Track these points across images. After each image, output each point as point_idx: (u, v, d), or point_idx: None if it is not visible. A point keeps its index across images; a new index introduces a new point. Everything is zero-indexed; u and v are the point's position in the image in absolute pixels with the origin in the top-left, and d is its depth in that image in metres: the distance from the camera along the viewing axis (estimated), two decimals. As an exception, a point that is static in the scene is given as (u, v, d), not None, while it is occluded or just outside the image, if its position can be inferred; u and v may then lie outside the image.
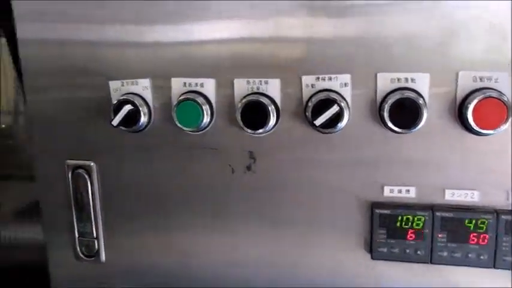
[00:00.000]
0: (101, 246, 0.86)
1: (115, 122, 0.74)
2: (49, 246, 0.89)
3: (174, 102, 0.74)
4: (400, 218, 0.70)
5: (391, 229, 0.71)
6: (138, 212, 0.83)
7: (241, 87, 0.72)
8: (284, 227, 0.77)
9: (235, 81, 0.72)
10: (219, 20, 0.71)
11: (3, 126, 3.08)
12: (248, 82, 0.72)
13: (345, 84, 0.69)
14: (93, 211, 0.84)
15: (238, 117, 0.71)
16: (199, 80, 0.73)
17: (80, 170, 0.82)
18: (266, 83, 0.71)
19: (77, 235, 0.86)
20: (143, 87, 0.76)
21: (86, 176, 0.82)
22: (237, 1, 0.70)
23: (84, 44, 0.77)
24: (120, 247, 0.85)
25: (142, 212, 0.82)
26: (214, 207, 0.79)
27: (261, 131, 0.70)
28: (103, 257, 0.86)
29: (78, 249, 0.87)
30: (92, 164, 0.82)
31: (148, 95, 0.76)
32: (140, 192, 0.81)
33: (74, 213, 0.85)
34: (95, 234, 0.85)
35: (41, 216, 0.99)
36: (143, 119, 0.75)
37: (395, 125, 0.66)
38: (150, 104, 0.76)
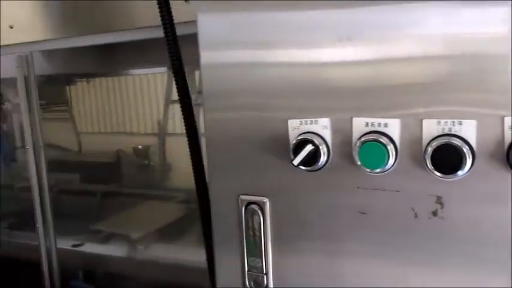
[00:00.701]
0: (270, 282, 0.86)
1: (296, 161, 0.74)
2: (218, 276, 0.92)
3: (355, 142, 0.72)
4: None
5: None
6: (310, 251, 0.81)
7: (431, 127, 0.68)
8: (471, 279, 0.70)
9: (424, 122, 0.68)
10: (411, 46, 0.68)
11: (140, 147, 3.36)
12: (439, 122, 0.67)
13: (559, 126, 0.61)
14: (264, 247, 0.85)
15: (428, 161, 0.66)
16: (383, 121, 0.71)
17: (253, 206, 0.84)
18: (460, 123, 0.66)
19: (246, 269, 0.87)
20: (322, 126, 0.75)
21: (259, 212, 0.84)
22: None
23: (265, 68, 0.79)
24: (289, 285, 0.85)
25: (314, 251, 0.81)
26: (392, 251, 0.75)
27: (457, 174, 0.65)
28: (271, 293, 0.86)
29: (247, 283, 0.88)
30: (266, 200, 0.83)
31: (327, 135, 0.75)
32: (313, 231, 0.80)
33: (244, 247, 0.86)
34: (264, 270, 0.86)
35: (207, 244, 1.04)
36: (322, 158, 0.74)
37: None
38: (329, 143, 0.75)
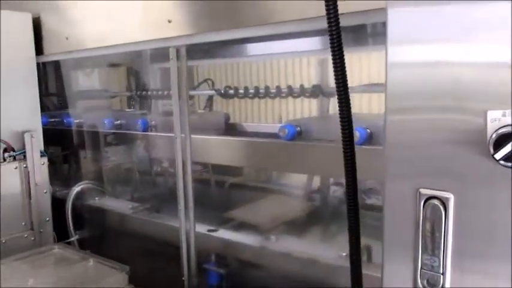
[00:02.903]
0: (446, 283, 0.81)
1: (498, 155, 0.68)
2: (385, 270, 0.89)
3: None
4: None
5: None
6: (495, 256, 0.75)
7: None
8: None
9: None
10: None
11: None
12: None
13: None
14: (444, 246, 0.80)
15: None
16: None
17: (435, 201, 0.80)
18: None
19: (419, 266, 0.84)
20: (531, 118, 0.69)
21: (441, 208, 0.79)
22: None
23: (458, 66, 0.75)
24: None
25: (498, 258, 0.75)
26: None
27: None
28: (446, 294, 0.81)
29: (419, 281, 0.84)
30: (450, 195, 0.78)
31: (536, 128, 0.69)
32: (506, 249, 0.74)
33: (420, 243, 0.83)
34: (441, 270, 0.81)
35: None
36: (531, 154, 0.68)
37: None
38: (542, 138, 0.68)
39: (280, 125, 1.80)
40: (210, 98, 2.68)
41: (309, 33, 1.78)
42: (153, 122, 2.32)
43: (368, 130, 1.55)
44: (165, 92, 2.50)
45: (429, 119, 0.79)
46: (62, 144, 2.86)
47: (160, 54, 2.42)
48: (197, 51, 2.27)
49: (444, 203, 0.79)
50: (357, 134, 1.52)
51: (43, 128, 2.34)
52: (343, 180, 1.00)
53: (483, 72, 0.73)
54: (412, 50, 0.80)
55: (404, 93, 0.81)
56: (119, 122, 2.51)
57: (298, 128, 1.78)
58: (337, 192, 2.10)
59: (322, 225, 2.16)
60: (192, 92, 2.23)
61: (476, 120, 0.74)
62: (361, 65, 2.20)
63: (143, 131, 2.32)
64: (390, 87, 0.82)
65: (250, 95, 2.18)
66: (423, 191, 0.81)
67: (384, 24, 0.83)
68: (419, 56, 0.79)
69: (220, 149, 1.99)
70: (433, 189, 0.80)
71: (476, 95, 0.74)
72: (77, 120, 2.72)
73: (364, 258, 1.55)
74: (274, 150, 1.85)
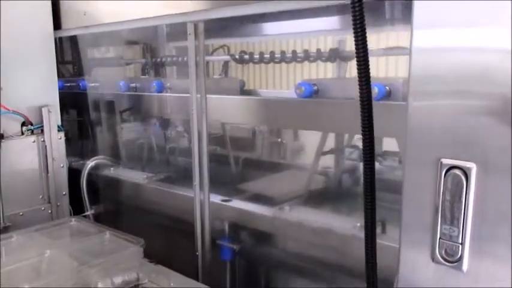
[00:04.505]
0: (465, 253, 0.81)
1: (524, 124, 0.68)
2: (403, 242, 0.90)
3: None
4: None
5: None
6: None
7: None
8: None
9: None
10: None
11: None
12: None
13: None
14: (464, 215, 0.80)
15: None
16: None
17: (456, 171, 0.80)
18: None
19: (438, 236, 0.84)
20: (558, 87, 0.68)
21: (463, 178, 0.79)
22: None
23: (481, 51, 0.75)
24: (486, 260, 0.80)
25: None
26: None
27: None
28: (465, 265, 0.82)
29: (437, 251, 0.84)
30: (472, 165, 0.78)
31: None
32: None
33: (439, 213, 0.83)
34: (460, 240, 0.81)
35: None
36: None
37: None
38: None
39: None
40: (226, 64, 2.67)
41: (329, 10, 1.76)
42: (168, 84, 2.35)
43: (387, 87, 1.54)
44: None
45: (453, 101, 0.79)
46: (78, 110, 2.90)
47: (177, 32, 2.42)
48: (213, 29, 2.25)
49: (466, 172, 0.79)
50: (375, 90, 1.51)
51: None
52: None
53: (508, 56, 0.72)
54: (437, 34, 0.80)
55: (428, 77, 0.81)
56: (134, 85, 2.55)
57: (316, 87, 1.77)
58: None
59: (335, 197, 2.15)
60: (208, 58, 2.22)
61: (500, 96, 0.73)
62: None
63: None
64: (414, 70, 0.82)
65: (266, 60, 2.15)
66: (445, 160, 0.81)
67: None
68: (444, 40, 0.79)
69: (236, 109, 1.99)
70: (454, 159, 0.80)
71: (501, 78, 0.73)
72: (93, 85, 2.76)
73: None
74: (289, 108, 1.84)
